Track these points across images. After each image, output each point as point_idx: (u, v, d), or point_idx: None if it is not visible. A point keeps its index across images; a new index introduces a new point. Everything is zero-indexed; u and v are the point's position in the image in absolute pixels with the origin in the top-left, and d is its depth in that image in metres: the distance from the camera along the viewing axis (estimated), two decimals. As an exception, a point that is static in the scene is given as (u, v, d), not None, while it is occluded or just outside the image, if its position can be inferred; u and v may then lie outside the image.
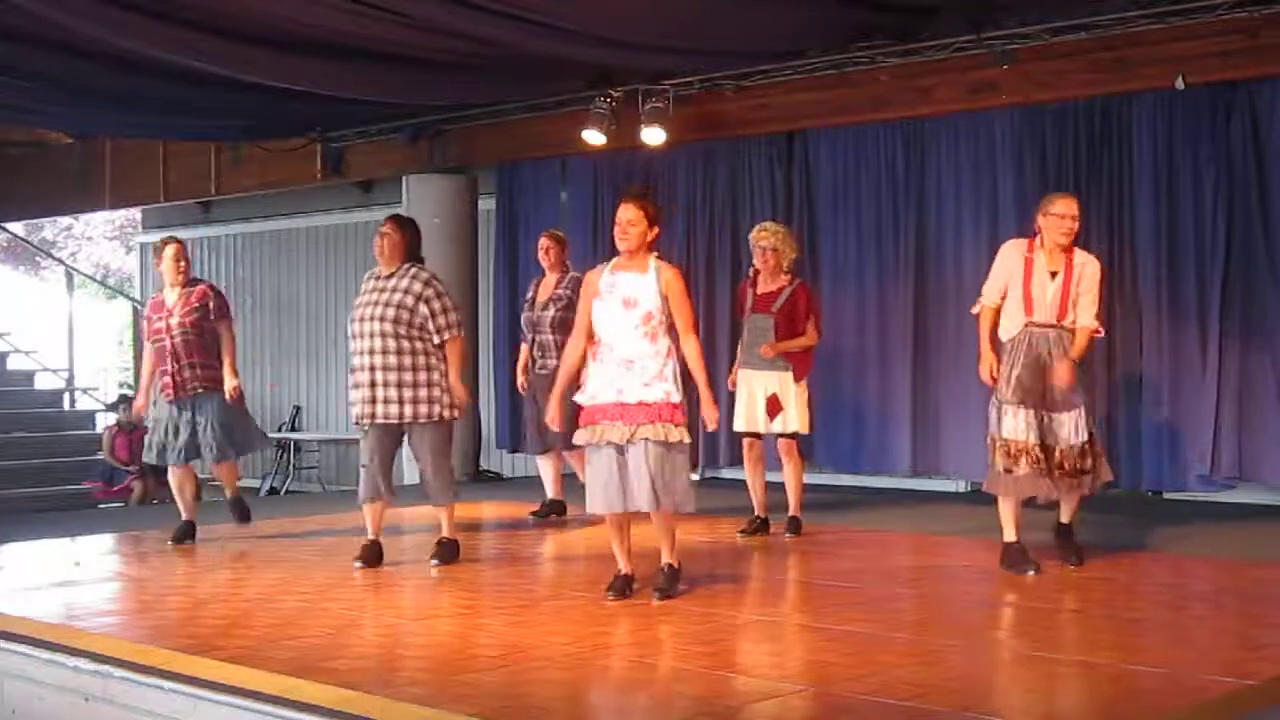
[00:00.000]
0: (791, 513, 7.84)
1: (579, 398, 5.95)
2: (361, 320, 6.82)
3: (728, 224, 11.38)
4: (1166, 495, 9.43)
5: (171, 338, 7.73)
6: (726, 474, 11.40)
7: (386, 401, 6.78)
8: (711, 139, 11.14)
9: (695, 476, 11.38)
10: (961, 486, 10.47)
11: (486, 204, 12.68)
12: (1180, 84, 8.75)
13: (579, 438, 5.90)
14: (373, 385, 6.77)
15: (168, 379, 7.75)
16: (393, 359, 6.76)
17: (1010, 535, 6.57)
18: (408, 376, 6.78)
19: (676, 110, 10.49)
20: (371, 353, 6.76)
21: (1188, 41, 8.66)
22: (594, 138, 10.65)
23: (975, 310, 6.74)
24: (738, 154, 11.34)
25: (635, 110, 10.51)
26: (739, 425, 7.78)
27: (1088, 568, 6.67)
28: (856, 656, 4.83)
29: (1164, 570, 6.61)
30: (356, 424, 6.95)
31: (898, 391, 10.54)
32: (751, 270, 7.84)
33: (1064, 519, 6.71)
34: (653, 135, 10.50)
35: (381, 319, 6.76)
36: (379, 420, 6.81)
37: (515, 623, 5.56)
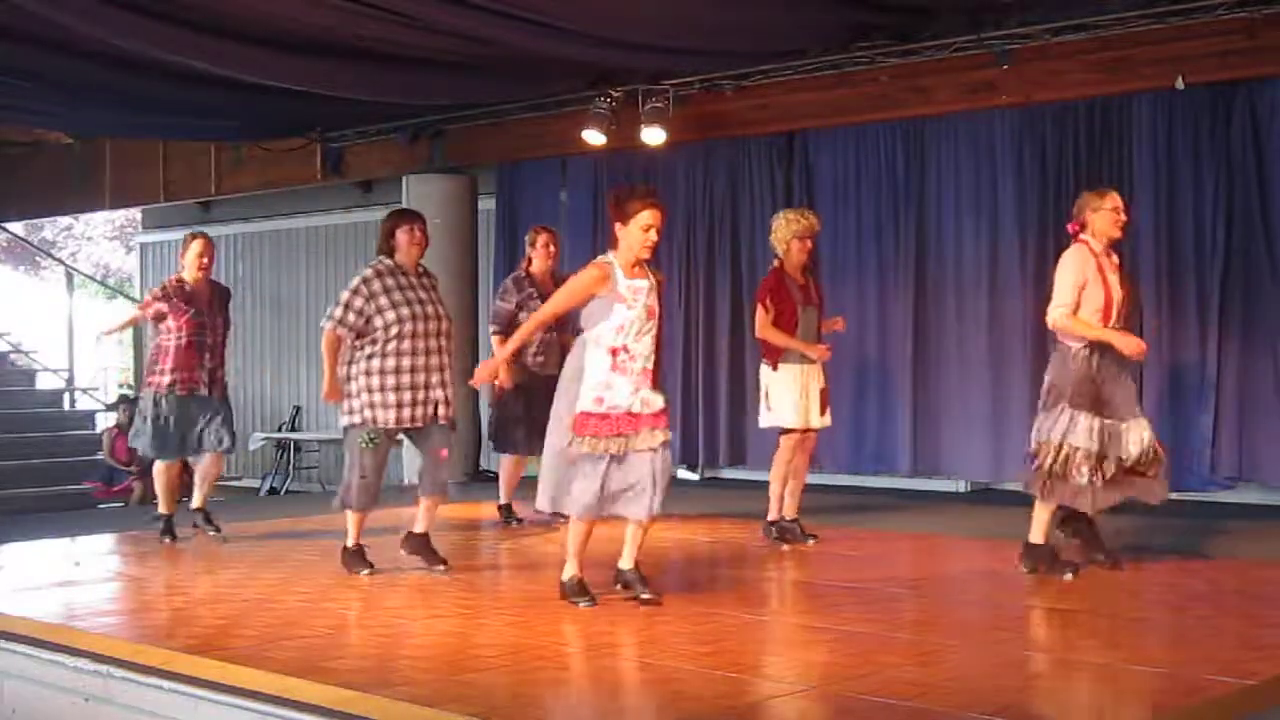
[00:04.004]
0: (797, 513, 7.69)
1: (590, 405, 5.64)
2: (426, 319, 6.59)
3: (728, 224, 11.38)
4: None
5: (214, 335, 7.84)
6: (727, 474, 11.41)
7: (446, 402, 6.68)
8: (711, 139, 11.13)
9: (695, 477, 11.47)
10: (961, 486, 10.46)
11: (486, 204, 12.68)
12: (1180, 84, 8.75)
13: (601, 447, 5.61)
14: (428, 387, 6.62)
15: (200, 374, 7.75)
16: (448, 359, 6.70)
17: (1038, 537, 6.42)
18: (450, 376, 6.76)
19: (676, 110, 10.49)
20: (429, 353, 6.60)
21: (1187, 41, 8.66)
22: (594, 138, 10.65)
23: (1058, 322, 6.30)
24: (738, 154, 11.34)
25: (635, 110, 10.51)
26: (797, 422, 7.44)
27: (1088, 569, 6.66)
28: (856, 656, 4.83)
29: (1164, 570, 6.61)
30: (375, 428, 6.53)
31: (898, 391, 10.54)
32: (778, 261, 7.51)
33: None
34: (653, 135, 10.50)
35: (439, 317, 6.67)
36: (435, 421, 6.65)
37: (515, 623, 5.55)
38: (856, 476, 10.73)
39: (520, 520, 8.47)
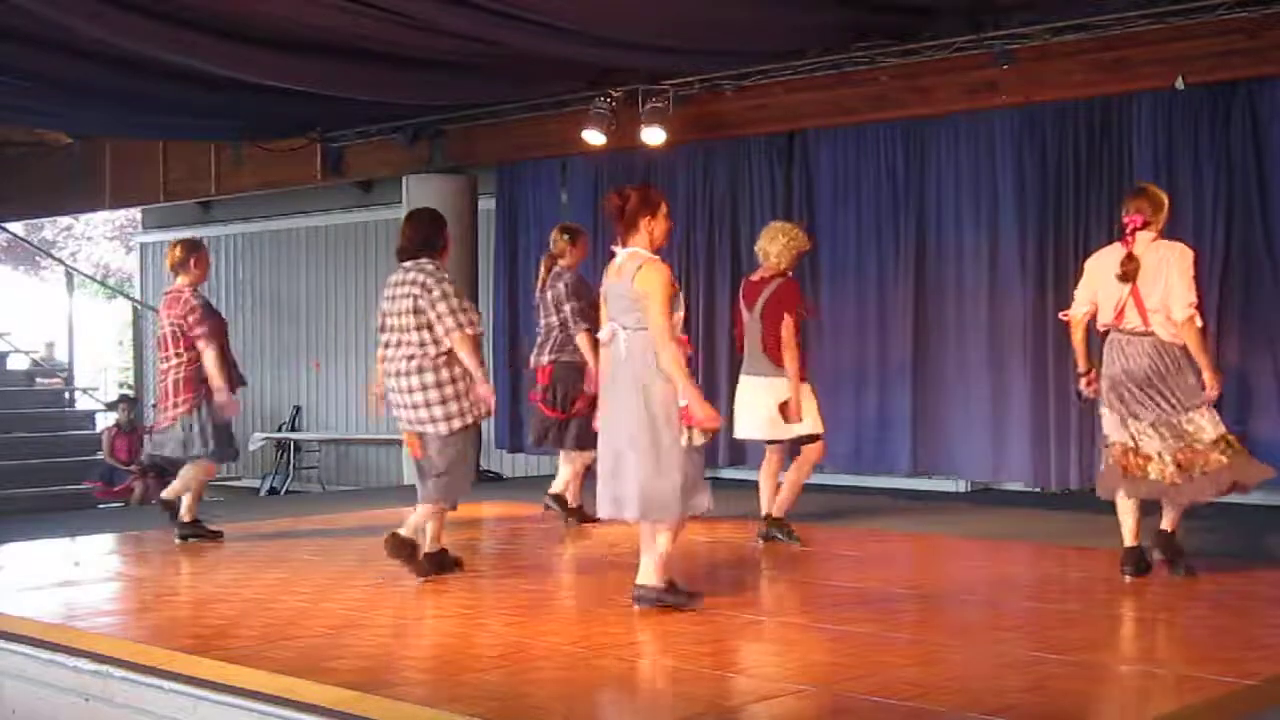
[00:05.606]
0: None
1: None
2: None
3: (728, 224, 11.38)
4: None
5: (228, 338, 7.97)
6: (726, 474, 11.40)
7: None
8: (711, 139, 11.13)
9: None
10: (961, 486, 10.46)
11: (486, 204, 12.68)
12: (1180, 84, 8.75)
13: (699, 437, 5.57)
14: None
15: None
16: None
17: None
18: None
19: (676, 110, 10.49)
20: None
21: (1188, 41, 8.65)
22: (594, 138, 10.65)
23: (1187, 325, 6.16)
24: (738, 154, 11.33)
25: (635, 110, 10.51)
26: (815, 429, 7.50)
27: (1089, 569, 6.66)
28: (856, 656, 4.84)
29: (1164, 570, 6.60)
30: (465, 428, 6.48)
31: (898, 391, 10.53)
32: (790, 272, 7.60)
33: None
34: (653, 135, 10.50)
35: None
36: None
37: (515, 623, 5.56)
38: (856, 476, 10.72)
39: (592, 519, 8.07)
